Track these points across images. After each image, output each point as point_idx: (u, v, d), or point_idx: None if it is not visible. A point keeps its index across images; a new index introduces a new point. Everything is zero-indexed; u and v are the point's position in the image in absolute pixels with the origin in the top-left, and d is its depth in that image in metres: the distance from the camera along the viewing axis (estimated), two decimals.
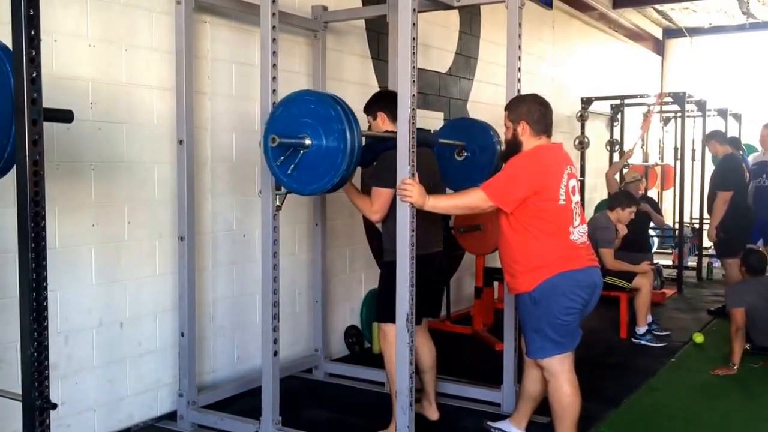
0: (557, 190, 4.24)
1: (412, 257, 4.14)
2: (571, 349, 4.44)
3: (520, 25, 5.06)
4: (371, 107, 5.05)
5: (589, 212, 11.42)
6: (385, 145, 4.71)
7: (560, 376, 4.38)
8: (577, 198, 4.38)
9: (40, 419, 2.58)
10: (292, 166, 4.23)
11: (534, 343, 4.39)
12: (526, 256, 4.29)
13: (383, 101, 4.97)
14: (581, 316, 4.41)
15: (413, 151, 4.10)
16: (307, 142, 4.18)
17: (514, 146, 4.47)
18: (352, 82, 6.93)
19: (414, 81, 4.08)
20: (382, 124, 4.95)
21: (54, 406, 2.59)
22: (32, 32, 2.49)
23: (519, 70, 5.09)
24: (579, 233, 4.35)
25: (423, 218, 4.35)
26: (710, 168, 11.77)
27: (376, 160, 4.77)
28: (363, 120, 5.03)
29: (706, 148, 11.26)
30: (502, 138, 4.84)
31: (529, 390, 4.80)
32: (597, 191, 12.40)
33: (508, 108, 4.58)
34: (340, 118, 4.13)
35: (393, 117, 4.68)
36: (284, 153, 4.23)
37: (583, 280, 4.32)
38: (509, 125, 4.49)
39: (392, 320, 4.41)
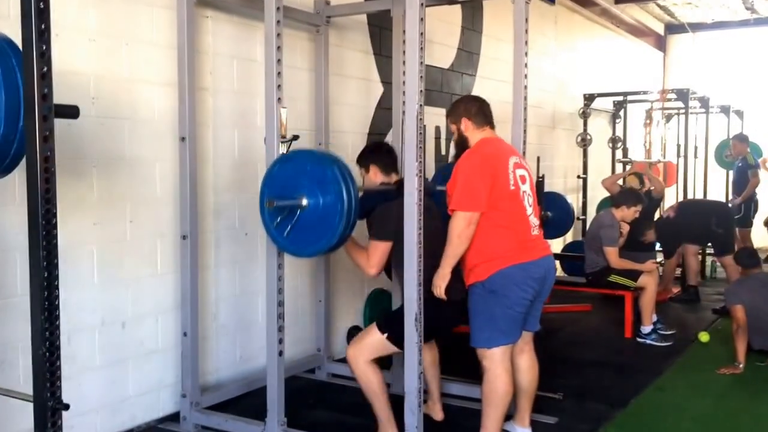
0: (506, 175, 4.42)
1: (419, 256, 4.09)
2: (515, 340, 4.57)
3: (526, 20, 4.99)
4: (364, 159, 5.07)
5: (591, 211, 11.38)
6: (381, 197, 4.75)
7: (501, 365, 4.48)
8: (526, 188, 4.53)
9: (52, 420, 2.52)
10: (289, 227, 4.24)
11: (483, 332, 4.47)
12: (482, 248, 4.39)
13: (376, 154, 5.05)
14: (531, 307, 4.57)
15: (421, 147, 4.07)
16: (304, 202, 4.19)
17: (462, 143, 4.69)
18: (354, 77, 6.87)
19: (422, 76, 4.06)
20: (375, 177, 4.98)
21: (66, 407, 2.54)
22: (42, 26, 2.44)
23: (526, 66, 5.01)
24: (532, 223, 4.53)
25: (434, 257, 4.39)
26: (713, 165, 11.85)
27: (371, 212, 4.74)
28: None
29: (710, 145, 11.38)
30: None
31: (519, 382, 4.79)
32: (599, 189, 12.31)
33: (447, 115, 4.85)
34: (337, 179, 4.13)
35: (385, 169, 4.93)
36: (281, 213, 4.23)
37: (535, 272, 4.47)
38: (453, 128, 4.75)
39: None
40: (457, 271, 4.67)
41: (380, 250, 4.62)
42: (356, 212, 4.19)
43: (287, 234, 4.25)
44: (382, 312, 6.18)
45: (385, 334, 4.61)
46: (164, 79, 5.07)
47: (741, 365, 6.44)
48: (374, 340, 4.67)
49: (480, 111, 4.67)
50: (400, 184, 4.73)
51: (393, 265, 4.79)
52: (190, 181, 4.97)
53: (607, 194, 11.39)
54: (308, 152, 4.53)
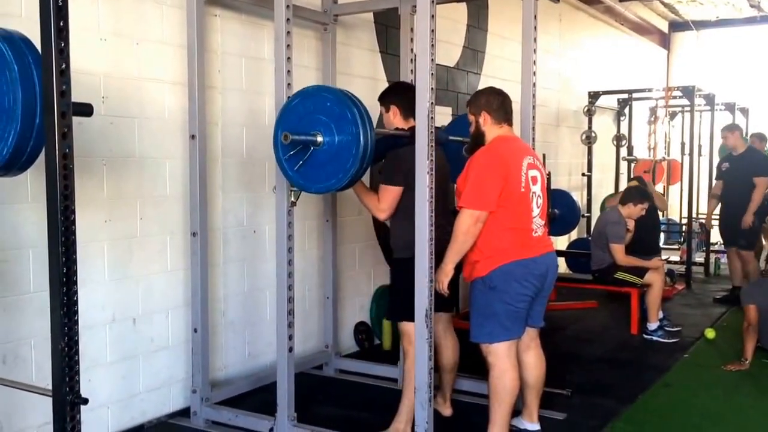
0: (519, 177, 4.40)
1: (431, 252, 4.10)
2: (518, 336, 4.57)
3: (535, 17, 5.00)
4: (386, 97, 4.99)
5: (596, 208, 11.41)
6: (395, 142, 4.70)
7: (507, 360, 4.49)
8: (536, 189, 4.52)
9: (71, 414, 2.56)
10: (300, 162, 4.21)
11: (484, 328, 4.49)
12: (483, 244, 4.40)
13: (400, 94, 4.93)
14: (534, 303, 4.58)
15: (432, 146, 4.06)
16: (319, 139, 4.16)
17: (477, 137, 4.65)
18: (361, 76, 6.89)
19: (432, 74, 4.03)
20: (394, 118, 4.90)
21: (85, 401, 2.58)
22: (61, 23, 2.47)
23: (534, 63, 5.02)
24: (536, 225, 4.52)
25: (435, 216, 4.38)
26: (717, 163, 11.78)
27: (384, 156, 4.72)
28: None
29: (715, 142, 11.32)
30: None
31: (526, 378, 4.80)
32: (603, 187, 12.35)
33: (469, 103, 4.77)
34: (356, 120, 4.10)
35: (405, 112, 4.81)
36: (294, 148, 4.20)
37: (535, 269, 4.47)
38: (472, 119, 4.67)
39: (409, 318, 4.43)
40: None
41: (391, 194, 4.59)
42: (371, 157, 4.16)
43: (297, 168, 4.23)
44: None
45: (396, 319, 4.71)
46: (174, 77, 5.10)
47: (747, 362, 6.46)
48: (404, 328, 4.74)
49: (501, 106, 4.61)
50: (413, 129, 4.56)
51: (397, 211, 4.68)
52: (199, 179, 5.00)
53: (611, 192, 11.42)
54: (328, 88, 4.47)
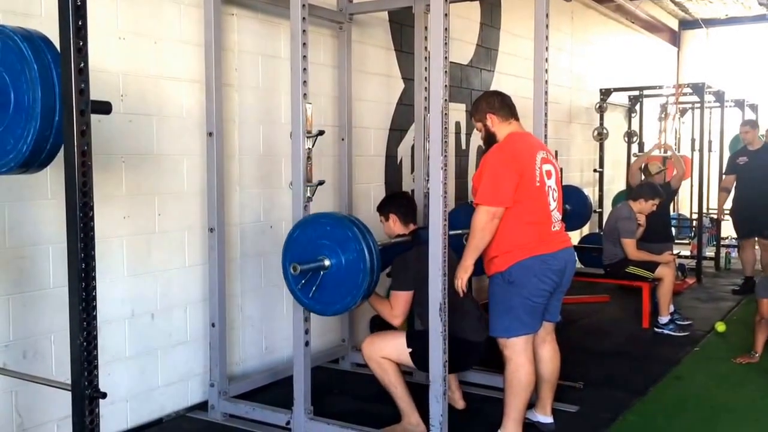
0: (533, 171, 4.47)
1: (444, 246, 4.17)
2: (536, 330, 4.63)
3: (547, 16, 5.06)
4: (384, 208, 5.18)
5: (608, 203, 11.44)
6: (399, 248, 4.85)
7: (523, 355, 4.54)
8: (551, 183, 4.58)
9: (89, 408, 2.58)
10: (314, 288, 4.30)
11: (503, 322, 4.54)
12: (502, 240, 4.46)
13: (396, 204, 5.17)
14: (552, 298, 4.65)
15: (445, 142, 4.13)
16: (327, 263, 4.26)
17: (490, 139, 4.72)
18: (376, 73, 6.94)
19: (446, 72, 4.10)
20: (394, 225, 5.08)
21: (104, 395, 2.60)
22: (80, 22, 2.50)
23: (546, 60, 5.09)
24: (555, 218, 4.60)
25: (463, 307, 4.61)
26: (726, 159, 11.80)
27: (391, 262, 4.83)
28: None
29: (725, 138, 11.34)
30: None
31: (541, 372, 4.86)
32: (615, 182, 12.38)
33: (471, 115, 4.87)
34: (358, 238, 4.20)
35: (404, 219, 5.04)
36: (305, 276, 4.29)
37: (554, 264, 4.53)
38: (479, 126, 4.76)
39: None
40: (481, 315, 4.84)
41: (402, 299, 4.73)
42: (378, 269, 4.25)
43: (312, 295, 4.33)
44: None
45: (410, 350, 4.69)
46: (191, 76, 5.17)
47: (757, 355, 6.51)
48: (397, 347, 4.74)
49: (503, 104, 4.69)
50: (414, 233, 4.94)
51: (415, 311, 4.86)
52: (217, 176, 5.07)
53: (623, 188, 11.44)
54: (327, 215, 4.63)
